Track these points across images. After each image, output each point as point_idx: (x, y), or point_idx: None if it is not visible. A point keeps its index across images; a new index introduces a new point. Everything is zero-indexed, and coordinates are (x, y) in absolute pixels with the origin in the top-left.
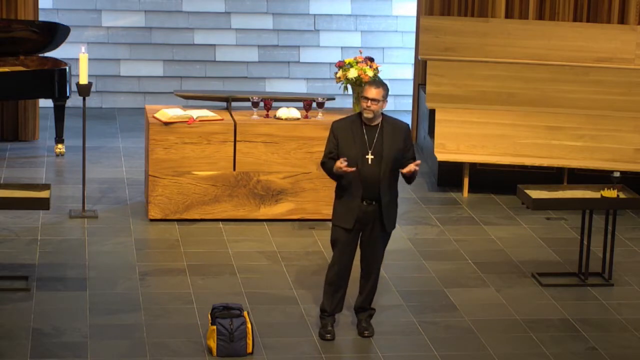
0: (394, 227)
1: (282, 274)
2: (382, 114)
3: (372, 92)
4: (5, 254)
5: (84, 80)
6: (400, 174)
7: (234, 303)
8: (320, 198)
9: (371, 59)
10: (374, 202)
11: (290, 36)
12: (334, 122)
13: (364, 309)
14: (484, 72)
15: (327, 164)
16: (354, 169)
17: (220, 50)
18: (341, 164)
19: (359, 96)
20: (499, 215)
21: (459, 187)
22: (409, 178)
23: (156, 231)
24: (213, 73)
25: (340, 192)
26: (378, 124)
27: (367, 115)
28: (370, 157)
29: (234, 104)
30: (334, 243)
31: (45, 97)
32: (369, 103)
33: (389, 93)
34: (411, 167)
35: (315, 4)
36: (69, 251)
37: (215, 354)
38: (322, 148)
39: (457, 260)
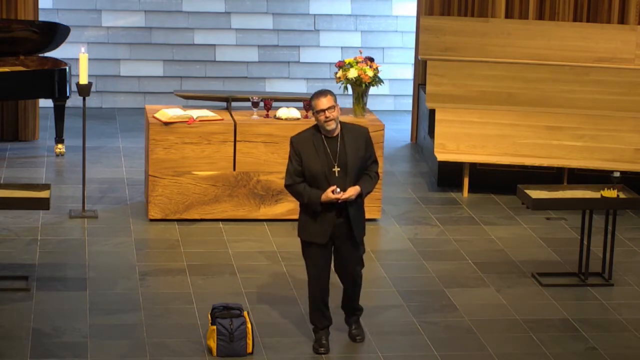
0: (363, 235)
1: (282, 274)
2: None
3: (323, 102)
4: (5, 254)
5: (84, 80)
6: None
7: (234, 303)
8: None
9: (371, 59)
10: (342, 214)
11: (290, 36)
12: (293, 138)
13: (352, 314)
14: (484, 72)
15: (296, 188)
16: (339, 196)
17: (220, 50)
18: (333, 194)
19: (359, 96)
20: (499, 215)
21: (459, 187)
22: (358, 195)
23: (156, 231)
24: (213, 73)
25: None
26: (338, 134)
27: (330, 126)
28: (337, 169)
29: (234, 104)
30: (307, 259)
31: (45, 97)
32: (327, 114)
33: (391, 93)
34: (346, 194)
35: (315, 4)
36: (69, 251)
37: (215, 354)
38: None
39: (457, 260)
